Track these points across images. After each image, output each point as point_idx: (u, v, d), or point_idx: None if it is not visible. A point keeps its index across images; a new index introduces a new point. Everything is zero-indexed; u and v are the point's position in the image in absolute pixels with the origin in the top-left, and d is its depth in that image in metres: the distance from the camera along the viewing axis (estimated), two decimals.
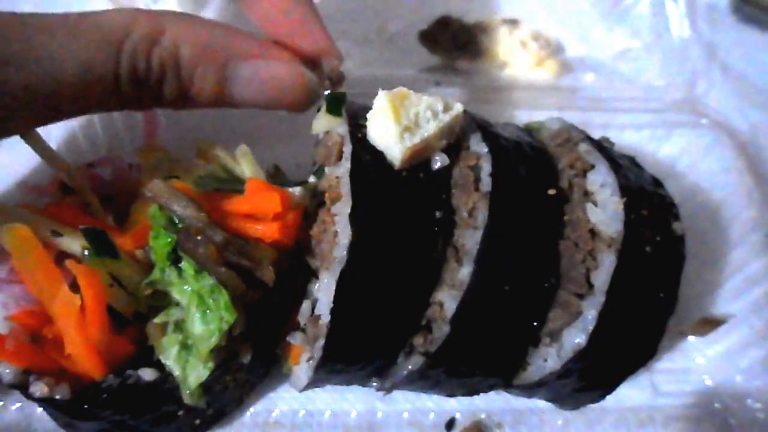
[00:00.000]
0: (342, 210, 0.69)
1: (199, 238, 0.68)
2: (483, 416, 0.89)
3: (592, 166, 0.78)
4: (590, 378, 0.77)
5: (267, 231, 0.72)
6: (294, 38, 0.74)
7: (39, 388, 0.67)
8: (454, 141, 0.75)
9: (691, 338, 0.97)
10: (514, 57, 1.19)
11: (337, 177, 0.73)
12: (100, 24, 0.58)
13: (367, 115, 0.73)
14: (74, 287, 0.66)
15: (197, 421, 0.80)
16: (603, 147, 0.82)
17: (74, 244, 0.69)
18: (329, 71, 0.75)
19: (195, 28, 0.62)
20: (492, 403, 0.89)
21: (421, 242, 0.69)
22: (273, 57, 0.67)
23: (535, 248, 0.73)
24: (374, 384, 0.78)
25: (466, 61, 1.19)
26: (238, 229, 0.72)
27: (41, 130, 0.75)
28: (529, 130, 0.88)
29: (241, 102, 0.66)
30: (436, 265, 0.70)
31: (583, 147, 0.80)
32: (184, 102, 0.65)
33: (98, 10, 0.60)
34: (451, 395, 0.82)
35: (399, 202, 0.69)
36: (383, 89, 0.72)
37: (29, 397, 0.67)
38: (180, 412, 0.76)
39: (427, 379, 0.75)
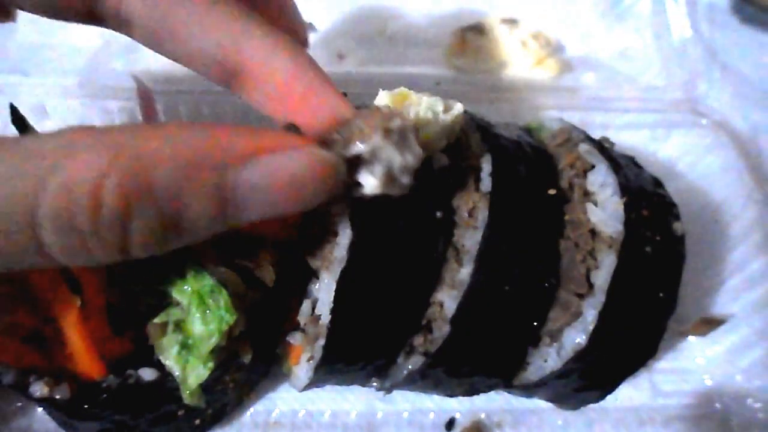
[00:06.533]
0: (342, 210, 0.69)
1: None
2: (483, 416, 0.89)
3: (592, 166, 0.78)
4: (590, 378, 0.77)
5: (267, 231, 0.72)
6: (304, 113, 0.60)
7: (39, 388, 0.67)
8: (454, 141, 0.75)
9: (691, 338, 0.96)
10: (514, 57, 1.19)
11: None
12: (10, 175, 0.42)
13: None
14: (74, 287, 0.66)
15: (197, 421, 0.80)
16: (603, 147, 0.81)
17: None
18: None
19: (169, 139, 0.46)
20: (492, 403, 0.89)
21: (421, 242, 0.69)
22: (282, 146, 0.51)
23: (535, 248, 0.73)
24: (374, 384, 0.78)
25: (466, 61, 1.19)
26: (238, 229, 0.72)
27: (39, 129, 0.75)
28: (529, 130, 0.88)
29: (252, 215, 0.51)
30: (436, 265, 0.70)
31: (583, 147, 0.80)
32: (173, 240, 0.49)
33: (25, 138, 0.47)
34: (451, 395, 0.82)
35: (399, 202, 0.69)
36: (383, 89, 0.72)
37: (29, 397, 0.67)
38: (180, 412, 0.76)
39: (427, 379, 0.75)
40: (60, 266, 0.48)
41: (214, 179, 0.47)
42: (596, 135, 0.85)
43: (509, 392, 0.85)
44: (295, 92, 0.60)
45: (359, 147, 0.55)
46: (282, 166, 0.50)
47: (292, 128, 0.59)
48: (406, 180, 0.59)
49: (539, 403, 0.88)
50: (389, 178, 0.57)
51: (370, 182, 0.57)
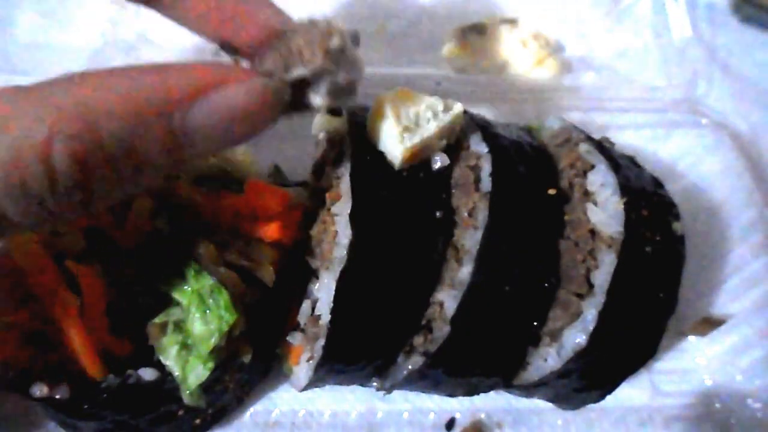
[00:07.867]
0: (342, 210, 0.69)
1: (199, 237, 0.68)
2: (483, 416, 0.89)
3: (593, 166, 0.78)
4: (590, 378, 0.77)
5: (267, 231, 0.72)
6: (237, 28, 0.58)
7: (39, 388, 0.67)
8: (454, 141, 0.75)
9: (691, 338, 0.96)
10: (514, 57, 1.19)
11: (337, 177, 0.73)
12: None
13: (367, 115, 0.73)
14: (74, 287, 0.66)
15: (197, 421, 0.80)
16: (603, 147, 0.81)
17: (74, 244, 0.69)
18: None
19: (111, 90, 0.45)
20: (492, 403, 0.89)
21: (421, 242, 0.69)
22: (227, 80, 0.50)
23: (535, 248, 0.73)
24: (374, 384, 0.78)
25: (466, 61, 1.19)
26: (238, 229, 0.72)
27: None
28: (529, 130, 0.88)
29: (205, 149, 0.52)
30: (436, 265, 0.70)
31: (584, 147, 0.80)
32: (131, 185, 0.49)
33: None
34: (451, 395, 0.82)
35: (399, 202, 0.69)
36: (383, 89, 0.72)
37: (29, 397, 0.67)
38: (180, 412, 0.76)
39: (427, 379, 0.75)
40: (33, 231, 0.48)
41: (164, 126, 0.47)
42: (596, 135, 0.85)
43: (509, 392, 0.85)
44: (225, 4, 0.58)
45: (302, 71, 0.56)
46: (228, 102, 0.49)
47: (227, 46, 0.57)
48: (351, 92, 0.61)
49: (539, 403, 0.88)
50: (334, 93, 0.58)
51: (316, 101, 0.58)
